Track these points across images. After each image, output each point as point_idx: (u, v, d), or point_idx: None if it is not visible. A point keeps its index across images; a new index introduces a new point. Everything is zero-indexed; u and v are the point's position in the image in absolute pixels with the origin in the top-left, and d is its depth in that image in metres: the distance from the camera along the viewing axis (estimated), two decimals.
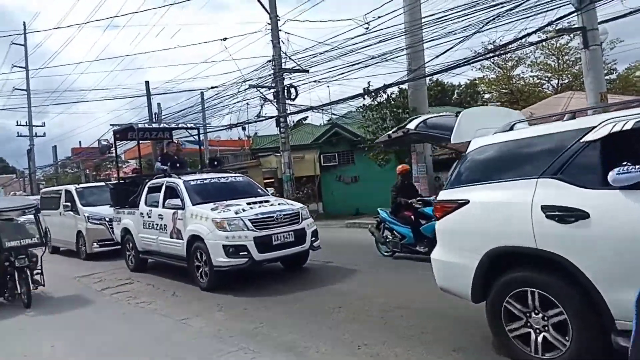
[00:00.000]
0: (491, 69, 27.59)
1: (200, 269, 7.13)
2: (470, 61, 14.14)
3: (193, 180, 8.11)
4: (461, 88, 34.34)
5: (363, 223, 13.17)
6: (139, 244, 8.85)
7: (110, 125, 23.46)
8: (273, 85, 16.39)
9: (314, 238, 7.53)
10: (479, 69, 27.07)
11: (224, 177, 8.68)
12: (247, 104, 18.40)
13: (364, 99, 15.27)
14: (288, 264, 7.95)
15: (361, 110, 16.49)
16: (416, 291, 5.84)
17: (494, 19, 10.59)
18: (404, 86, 14.38)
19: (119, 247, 9.96)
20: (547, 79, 27.83)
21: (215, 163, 9.86)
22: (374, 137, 13.95)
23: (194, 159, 20.80)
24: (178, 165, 9.42)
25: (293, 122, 20.65)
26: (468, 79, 32.59)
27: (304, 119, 27.93)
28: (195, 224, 7.13)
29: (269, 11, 16.17)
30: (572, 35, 18.19)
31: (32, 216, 7.65)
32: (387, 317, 5.02)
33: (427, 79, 18.69)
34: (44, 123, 34.89)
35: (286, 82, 16.27)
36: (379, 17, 13.07)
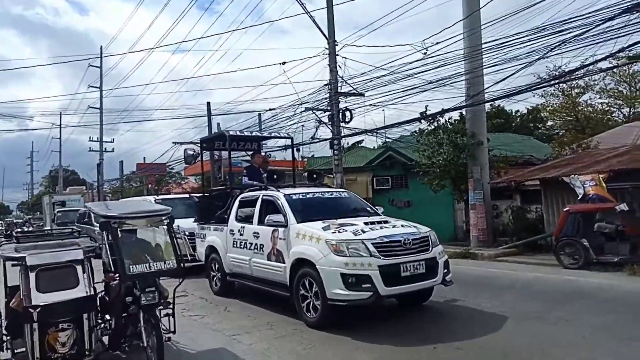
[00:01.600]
0: (555, 95, 26.48)
1: (308, 301, 5.91)
2: (533, 87, 13.67)
3: (295, 194, 7.05)
4: (523, 115, 33.16)
5: None
6: (226, 265, 7.84)
7: (173, 143, 24.61)
8: (328, 108, 16.61)
9: (445, 270, 6.11)
10: (542, 95, 26.06)
11: (327, 192, 7.59)
12: (303, 125, 18.70)
13: (420, 123, 15.12)
14: (407, 299, 6.52)
15: (416, 134, 16.33)
16: None
17: (559, 44, 10.22)
18: (464, 111, 14.12)
19: (198, 263, 9.00)
20: (617, 106, 26.32)
21: (315, 176, 9.16)
22: (429, 161, 13.75)
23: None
24: (270, 177, 8.71)
25: (347, 144, 20.75)
26: (531, 106, 31.43)
27: (359, 142, 27.99)
28: (303, 245, 6.02)
29: (327, 36, 16.49)
30: None
31: (163, 229, 4.75)
32: None
33: (487, 104, 18.30)
34: (114, 139, 37.17)
35: (341, 105, 16.43)
36: (437, 43, 12.98)
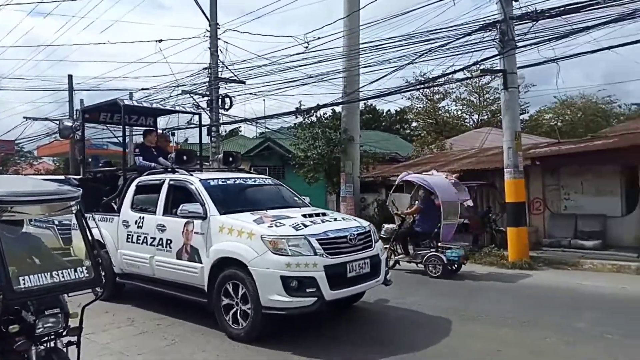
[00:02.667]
0: (420, 99, 29.11)
1: (233, 309, 4.96)
2: (402, 90, 14.77)
3: (212, 179, 5.95)
4: (392, 115, 35.79)
5: None
6: (117, 264, 6.48)
7: (24, 117, 21.61)
8: (207, 93, 16.07)
9: (386, 268, 5.66)
10: (409, 98, 28.43)
11: (250, 179, 6.49)
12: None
13: (296, 117, 15.42)
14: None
15: (293, 128, 16.64)
16: None
17: (426, 52, 11.20)
18: (338, 108, 14.72)
19: None
20: (469, 113, 29.88)
21: (231, 159, 7.25)
22: (304, 155, 14.12)
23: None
24: (178, 158, 7.18)
25: (225, 132, 20.32)
26: (399, 107, 34.10)
27: (237, 130, 27.61)
28: (229, 242, 5.05)
29: (209, 18, 15.90)
30: (493, 76, 19.74)
31: (69, 219, 3.96)
32: None
33: (361, 103, 19.38)
34: None
35: (221, 91, 16.02)
36: (319, 38, 13.35)
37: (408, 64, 11.95)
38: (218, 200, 5.50)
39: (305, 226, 5.01)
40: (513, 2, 9.51)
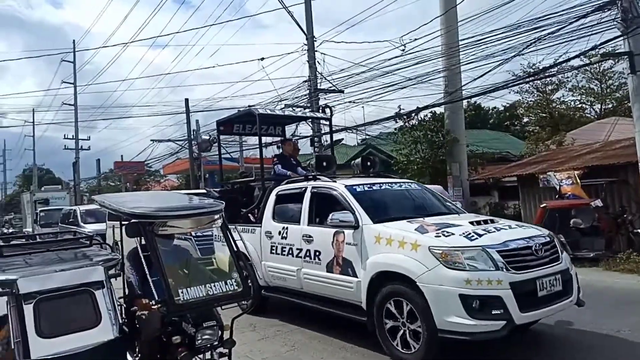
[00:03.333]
0: (530, 92, 26.96)
1: (401, 332, 4.35)
2: (509, 85, 13.90)
3: (358, 185, 5.42)
4: (500, 112, 33.71)
5: None
6: (263, 276, 6.13)
7: (151, 140, 24.17)
8: (308, 105, 16.55)
9: (577, 285, 4.68)
10: (517, 92, 26.50)
11: (396, 183, 5.91)
12: None
13: (396, 122, 15.22)
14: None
15: (395, 132, 16.44)
16: None
17: (535, 42, 10.39)
18: (439, 109, 14.25)
19: None
20: (589, 103, 26.96)
21: (369, 164, 6.57)
22: (407, 159, 13.85)
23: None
24: (319, 164, 6.92)
25: (327, 141, 20.72)
26: (507, 102, 31.94)
27: (339, 140, 28.03)
28: (388, 254, 4.48)
29: (305, 32, 16.43)
30: (616, 59, 17.65)
31: (213, 233, 4.84)
32: None
33: (465, 102, 18.54)
34: (90, 137, 36.04)
35: (321, 102, 16.40)
36: (415, 39, 13.05)
37: (514, 56, 11.21)
38: (368, 208, 5.00)
39: (479, 235, 4.29)
40: None
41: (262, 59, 17.29)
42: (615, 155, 10.77)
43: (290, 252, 5.68)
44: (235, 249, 3.23)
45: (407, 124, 15.20)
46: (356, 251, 4.81)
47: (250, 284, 3.17)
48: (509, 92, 26.89)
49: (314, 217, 5.53)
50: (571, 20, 9.41)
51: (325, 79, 15.96)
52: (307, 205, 5.59)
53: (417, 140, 13.68)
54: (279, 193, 6.19)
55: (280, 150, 7.68)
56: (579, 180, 9.68)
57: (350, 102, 15.78)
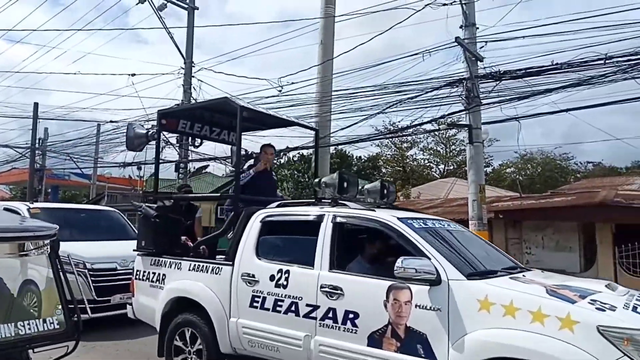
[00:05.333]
0: (389, 147, 29.80)
1: None
2: (372, 138, 15.10)
3: (413, 219, 3.98)
4: (363, 161, 36.44)
5: None
6: (230, 338, 4.30)
7: None
8: None
9: None
10: (379, 145, 29.07)
11: (437, 220, 4.37)
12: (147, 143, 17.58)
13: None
14: None
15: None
16: None
17: (397, 103, 11.60)
18: (307, 152, 14.85)
19: (111, 314, 6.45)
20: (435, 163, 30.72)
21: (385, 192, 4.93)
22: None
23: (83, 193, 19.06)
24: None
25: (193, 168, 20.07)
26: (370, 153, 34.73)
27: (205, 167, 27.34)
28: (513, 331, 2.97)
29: (184, 56, 16.06)
30: (459, 129, 20.51)
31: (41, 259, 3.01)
32: None
33: (332, 148, 19.65)
34: None
35: None
36: (292, 83, 13.67)
37: (378, 112, 12.35)
38: (447, 254, 3.54)
39: (634, 307, 3.07)
40: (478, 62, 10.02)
41: (133, 74, 16.33)
42: (452, 212, 12.32)
43: (294, 309, 3.91)
44: (64, 282, 2.74)
45: (277, 161, 15.52)
46: (437, 320, 3.24)
47: (77, 323, 2.66)
48: (371, 145, 29.32)
49: (339, 259, 3.90)
50: (427, 89, 10.74)
51: None
52: (329, 241, 3.92)
53: (284, 178, 13.98)
54: (268, 219, 4.43)
55: (252, 162, 5.82)
56: None
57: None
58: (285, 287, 4.01)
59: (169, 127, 6.39)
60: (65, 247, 6.11)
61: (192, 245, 5.36)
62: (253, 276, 4.22)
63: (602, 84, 8.66)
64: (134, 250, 5.33)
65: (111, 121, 18.07)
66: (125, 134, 6.11)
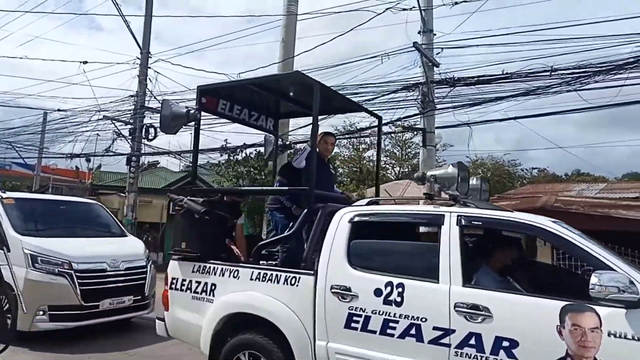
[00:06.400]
0: (347, 148, 30.13)
1: None
2: None
3: (561, 224, 3.25)
4: None
5: None
6: None
7: None
8: (131, 121, 15.49)
9: None
10: (337, 145, 29.36)
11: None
12: (98, 135, 16.95)
13: (221, 155, 15.30)
14: None
15: (217, 165, 16.44)
16: None
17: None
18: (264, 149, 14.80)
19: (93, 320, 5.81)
20: (391, 165, 31.33)
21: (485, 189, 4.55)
22: None
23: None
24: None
25: (147, 163, 19.54)
26: None
27: (157, 162, 26.68)
28: None
29: (140, 46, 15.58)
30: (414, 132, 21.03)
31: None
32: None
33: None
34: None
35: (146, 120, 15.54)
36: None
37: (336, 113, 12.46)
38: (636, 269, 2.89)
39: None
40: (434, 67, 10.32)
41: (85, 62, 15.69)
42: None
43: (414, 332, 3.13)
44: None
45: (233, 157, 15.33)
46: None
47: (8, 323, 2.39)
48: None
49: (472, 271, 3.24)
50: (384, 92, 10.95)
51: (155, 98, 15.21)
52: (457, 248, 3.19)
53: (240, 175, 13.85)
54: (360, 220, 3.66)
55: (309, 149, 4.87)
56: None
57: None
58: (399, 304, 3.18)
59: (208, 106, 5.38)
60: (46, 244, 5.85)
61: (235, 249, 4.58)
62: (348, 289, 3.38)
63: (548, 94, 9.14)
64: (170, 253, 4.47)
65: (59, 110, 17.27)
66: (159, 111, 5.16)
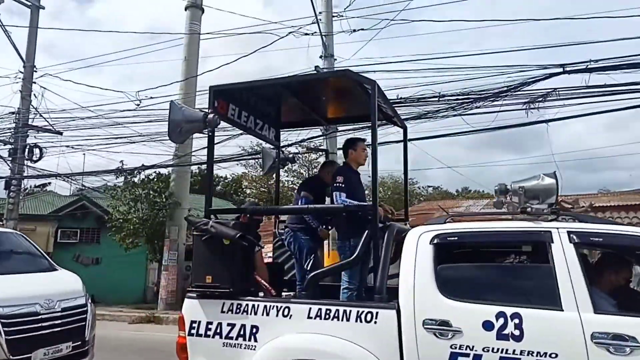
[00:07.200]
0: (255, 168, 29.95)
1: None
2: (234, 159, 15.08)
3: None
4: (228, 181, 35.89)
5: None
6: None
7: None
8: (11, 140, 14.05)
9: None
10: (244, 165, 29.06)
11: None
12: None
13: (117, 177, 14.44)
14: None
15: (112, 189, 15.48)
16: None
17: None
18: (165, 170, 14.22)
19: None
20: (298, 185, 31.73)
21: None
22: (124, 217, 13.04)
23: None
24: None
25: (33, 186, 17.77)
26: (234, 173, 34.47)
27: (45, 185, 24.38)
28: None
29: (24, 59, 14.30)
30: (320, 153, 21.54)
31: None
32: None
33: (195, 167, 19.10)
34: None
35: (30, 140, 14.19)
36: (152, 97, 13.01)
37: (241, 134, 12.38)
38: None
39: None
40: None
41: None
42: None
43: None
44: None
45: (130, 180, 14.50)
46: None
47: None
48: (237, 164, 29.12)
49: (599, 295, 2.85)
50: None
51: (41, 115, 13.97)
52: (577, 269, 2.79)
53: (138, 198, 13.11)
54: (444, 241, 3.15)
55: (344, 160, 4.40)
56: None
57: (67, 146, 14.15)
58: (518, 339, 2.71)
59: (219, 111, 4.38)
60: None
61: (262, 282, 3.90)
62: (447, 324, 2.84)
63: (437, 118, 9.89)
64: (188, 289, 3.62)
65: None
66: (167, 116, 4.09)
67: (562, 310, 2.69)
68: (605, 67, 8.20)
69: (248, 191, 33.32)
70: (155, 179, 14.50)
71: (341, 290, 3.77)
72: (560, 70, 8.46)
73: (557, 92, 8.56)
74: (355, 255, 3.41)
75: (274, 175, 5.67)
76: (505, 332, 2.71)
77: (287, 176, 30.86)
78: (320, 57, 11.59)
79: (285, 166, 4.99)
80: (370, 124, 4.08)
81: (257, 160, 28.03)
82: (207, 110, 3.89)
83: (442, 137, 10.54)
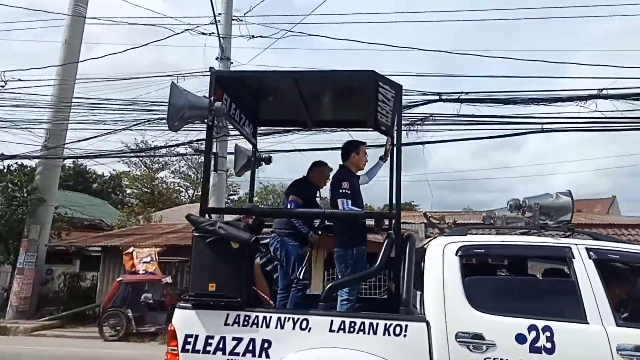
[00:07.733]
0: (138, 166, 28.14)
1: None
2: (114, 155, 14.08)
3: None
4: (106, 179, 33.15)
5: None
6: None
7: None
8: None
9: None
10: (127, 163, 27.14)
11: None
12: None
13: None
14: None
15: None
16: None
17: (145, 122, 11.13)
18: (30, 162, 12.77)
19: None
20: (185, 187, 30.44)
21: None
22: None
23: None
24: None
25: None
26: (113, 170, 31.98)
27: None
28: None
29: None
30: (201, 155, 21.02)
31: None
32: None
33: (67, 161, 17.42)
34: None
35: None
36: (19, 80, 11.64)
37: (123, 129, 11.57)
38: None
39: None
40: None
41: None
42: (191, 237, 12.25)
43: None
44: None
45: None
46: None
47: None
48: (118, 162, 27.03)
49: (619, 309, 3.03)
50: None
51: None
52: (599, 284, 2.93)
53: None
54: (469, 253, 3.19)
55: (342, 163, 4.18)
56: (157, 257, 10.30)
57: None
58: (550, 352, 2.76)
59: (229, 93, 4.03)
60: None
61: (261, 293, 3.58)
62: (481, 337, 2.82)
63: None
64: (186, 298, 3.16)
65: None
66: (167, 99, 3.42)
67: (588, 323, 2.81)
68: (474, 100, 9.22)
69: (128, 190, 31.15)
70: (16, 171, 12.90)
71: (339, 301, 3.62)
72: (437, 97, 9.31)
73: (433, 117, 9.39)
74: (377, 265, 3.29)
75: (247, 175, 4.98)
76: (538, 345, 2.77)
77: (173, 177, 29.54)
78: (217, 58, 11.34)
79: (260, 166, 4.68)
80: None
81: (141, 158, 26.39)
82: (207, 97, 3.49)
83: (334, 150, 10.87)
